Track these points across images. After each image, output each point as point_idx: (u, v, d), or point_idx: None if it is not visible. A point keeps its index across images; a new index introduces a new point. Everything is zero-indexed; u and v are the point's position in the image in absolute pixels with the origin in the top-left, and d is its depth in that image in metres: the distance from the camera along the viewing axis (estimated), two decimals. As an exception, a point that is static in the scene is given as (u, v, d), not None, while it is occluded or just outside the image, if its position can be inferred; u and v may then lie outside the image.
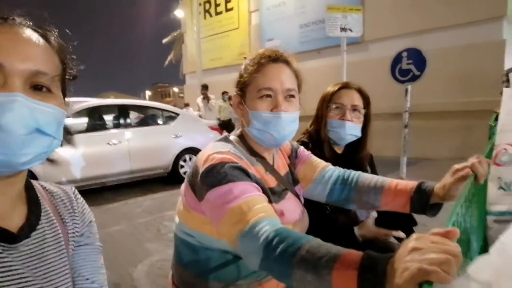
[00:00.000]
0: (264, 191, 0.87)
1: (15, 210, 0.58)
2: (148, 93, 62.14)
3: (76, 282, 0.65)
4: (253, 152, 0.98)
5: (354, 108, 1.39)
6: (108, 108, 5.75)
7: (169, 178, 5.78)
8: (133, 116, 6.10)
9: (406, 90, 5.14)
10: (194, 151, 5.92)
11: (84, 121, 5.37)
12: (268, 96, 0.92)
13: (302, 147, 1.18)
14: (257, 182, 0.86)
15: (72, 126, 5.08)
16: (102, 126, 5.45)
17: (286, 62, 0.96)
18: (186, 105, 10.79)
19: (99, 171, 4.99)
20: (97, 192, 5.17)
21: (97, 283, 0.68)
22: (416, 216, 1.35)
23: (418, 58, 4.94)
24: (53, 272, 0.60)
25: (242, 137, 1.01)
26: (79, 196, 0.73)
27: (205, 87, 8.36)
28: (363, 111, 1.42)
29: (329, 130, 1.39)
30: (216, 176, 0.79)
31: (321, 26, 8.21)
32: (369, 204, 1.02)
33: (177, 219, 0.96)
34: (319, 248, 0.57)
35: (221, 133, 6.39)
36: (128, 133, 5.36)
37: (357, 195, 1.03)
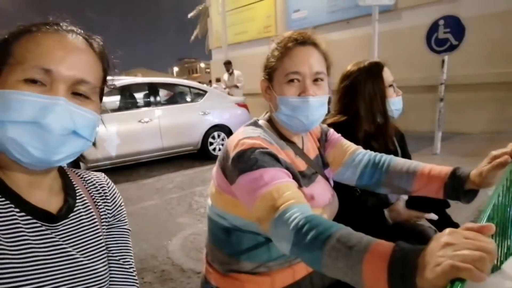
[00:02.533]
0: (294, 176, 0.89)
1: (53, 195, 0.65)
2: (175, 69, 62.60)
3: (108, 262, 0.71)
4: (282, 136, 0.99)
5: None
6: (138, 87, 5.90)
7: (198, 155, 5.92)
8: (163, 94, 6.22)
9: (443, 61, 4.86)
10: (222, 128, 6.00)
11: (116, 99, 5.56)
12: (296, 80, 0.92)
13: (332, 130, 1.18)
14: (287, 167, 0.87)
15: (105, 105, 5.25)
16: (134, 105, 5.63)
17: (314, 45, 0.94)
18: (218, 80, 10.79)
19: (133, 149, 5.19)
20: (132, 168, 5.42)
21: (127, 264, 0.74)
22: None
23: (456, 26, 4.62)
24: (91, 249, 0.66)
25: (271, 121, 1.02)
26: (110, 181, 0.79)
27: (228, 63, 8.29)
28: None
29: (392, 110, 1.38)
30: (247, 161, 0.81)
31: (352, -6, 7.80)
32: (401, 189, 1.01)
33: (209, 201, 1.01)
34: (349, 237, 0.58)
35: (248, 109, 6.40)
36: (158, 111, 5.49)
37: (388, 179, 1.02)
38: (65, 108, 0.55)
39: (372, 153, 1.09)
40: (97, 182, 0.75)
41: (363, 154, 1.09)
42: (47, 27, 0.58)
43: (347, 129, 1.26)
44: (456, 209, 1.31)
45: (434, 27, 4.80)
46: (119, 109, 5.39)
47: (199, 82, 7.55)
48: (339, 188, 1.11)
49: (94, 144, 0.69)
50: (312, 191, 0.96)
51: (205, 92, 6.13)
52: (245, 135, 0.88)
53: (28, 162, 0.55)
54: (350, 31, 8.61)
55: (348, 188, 1.14)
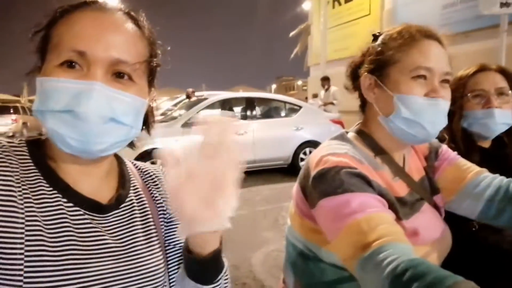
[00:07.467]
0: (391, 205, 0.73)
1: (105, 185, 0.61)
2: (273, 86, 64.93)
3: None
4: (379, 151, 0.82)
5: (500, 92, 1.13)
6: (237, 100, 6.32)
7: (288, 170, 5.88)
8: (259, 108, 6.45)
9: None
10: (314, 144, 5.87)
11: (217, 112, 6.00)
12: (423, 78, 0.76)
13: (445, 146, 0.96)
14: (381, 194, 0.71)
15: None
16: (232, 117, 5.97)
17: (439, 41, 0.80)
18: (314, 96, 10.78)
19: (227, 159, 5.46)
20: (224, 177, 5.66)
21: None
22: None
23: None
24: (139, 244, 0.60)
25: (363, 133, 0.85)
26: None
27: (324, 79, 8.10)
28: (510, 93, 1.13)
29: (471, 123, 1.15)
30: (330, 182, 0.68)
31: (471, 5, 6.93)
32: None
33: (289, 221, 0.90)
34: None
35: (343, 127, 6.15)
36: (254, 124, 5.67)
37: None
38: (101, 94, 0.50)
39: (504, 179, 0.84)
40: (154, 174, 0.71)
41: (491, 179, 0.84)
42: (84, 6, 0.54)
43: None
44: None
45: None
46: (219, 121, 5.78)
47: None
48: (449, 219, 0.88)
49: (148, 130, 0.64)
50: (416, 224, 0.77)
51: (300, 107, 6.12)
52: (330, 151, 0.74)
53: (72, 153, 0.52)
54: (469, 46, 7.61)
55: (462, 221, 0.90)
